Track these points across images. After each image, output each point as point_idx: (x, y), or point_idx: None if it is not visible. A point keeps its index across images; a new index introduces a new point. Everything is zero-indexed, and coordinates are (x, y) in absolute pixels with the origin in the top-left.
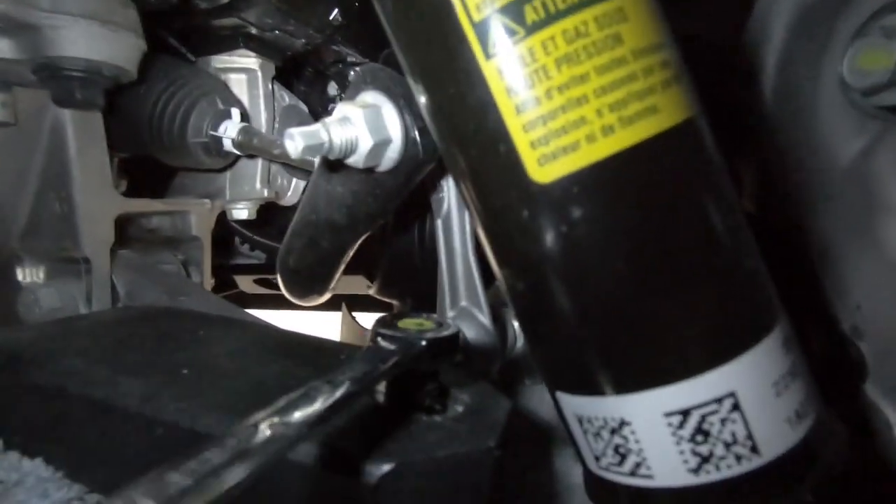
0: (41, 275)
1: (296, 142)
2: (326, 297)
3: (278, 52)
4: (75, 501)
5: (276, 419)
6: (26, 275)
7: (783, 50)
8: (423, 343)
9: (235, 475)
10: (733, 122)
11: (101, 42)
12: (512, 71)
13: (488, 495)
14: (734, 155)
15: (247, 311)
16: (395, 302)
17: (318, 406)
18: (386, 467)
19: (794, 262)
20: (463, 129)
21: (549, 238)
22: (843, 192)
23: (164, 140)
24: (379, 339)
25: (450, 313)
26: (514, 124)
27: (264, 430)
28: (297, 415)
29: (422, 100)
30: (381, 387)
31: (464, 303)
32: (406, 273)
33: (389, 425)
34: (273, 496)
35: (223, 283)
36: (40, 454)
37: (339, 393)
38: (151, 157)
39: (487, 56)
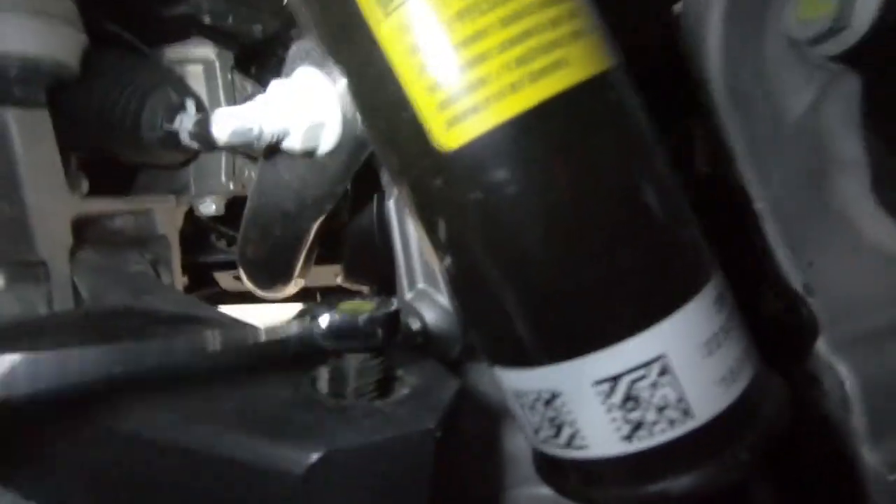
0: None
1: (221, 126)
2: (294, 288)
3: (235, 40)
4: None
5: None
6: None
7: (726, 5)
8: (343, 323)
9: None
10: (683, 83)
11: (34, 36)
12: (411, 27)
13: (432, 480)
14: (686, 116)
15: (225, 307)
16: (364, 290)
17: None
18: (314, 456)
19: (747, 221)
20: (371, 100)
21: (466, 205)
22: (792, 148)
23: (118, 136)
24: (305, 316)
25: (408, 295)
26: (417, 88)
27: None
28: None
29: (341, 77)
30: (322, 373)
31: (421, 284)
32: (367, 258)
33: (325, 413)
34: (194, 492)
35: (202, 281)
36: None
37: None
38: (110, 155)
39: (386, 14)
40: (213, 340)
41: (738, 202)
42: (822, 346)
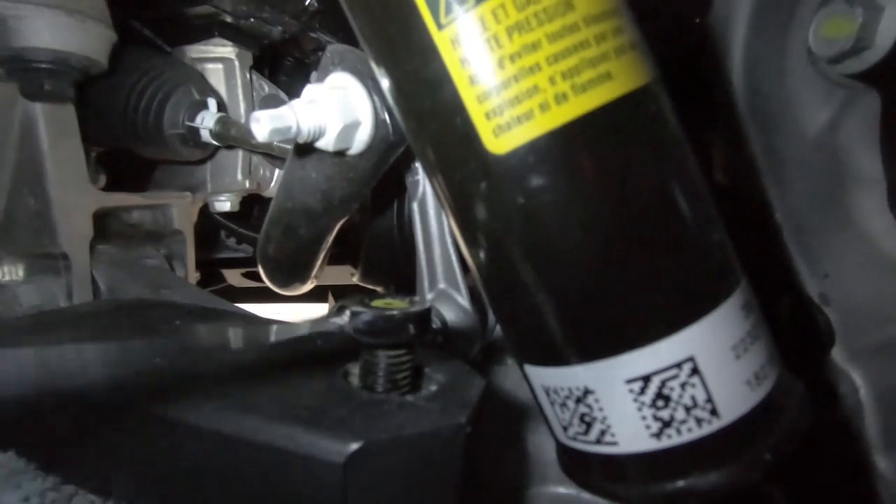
0: (20, 272)
1: (262, 124)
2: (310, 285)
3: (255, 40)
4: (50, 492)
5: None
6: (5, 273)
7: (750, 22)
8: (378, 319)
9: None
10: (703, 96)
11: (67, 32)
12: (463, 41)
13: (461, 473)
14: (705, 129)
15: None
16: (379, 289)
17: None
18: (353, 446)
19: (765, 233)
20: (420, 105)
21: (508, 209)
22: (811, 163)
23: (140, 132)
24: (343, 311)
25: (428, 296)
26: (468, 95)
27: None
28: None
29: (383, 81)
30: (355, 369)
31: (442, 285)
32: (386, 258)
33: (359, 406)
34: (234, 478)
35: (211, 277)
36: (12, 446)
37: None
38: (130, 150)
39: (439, 27)
40: (266, 335)
41: (757, 214)
42: (837, 354)
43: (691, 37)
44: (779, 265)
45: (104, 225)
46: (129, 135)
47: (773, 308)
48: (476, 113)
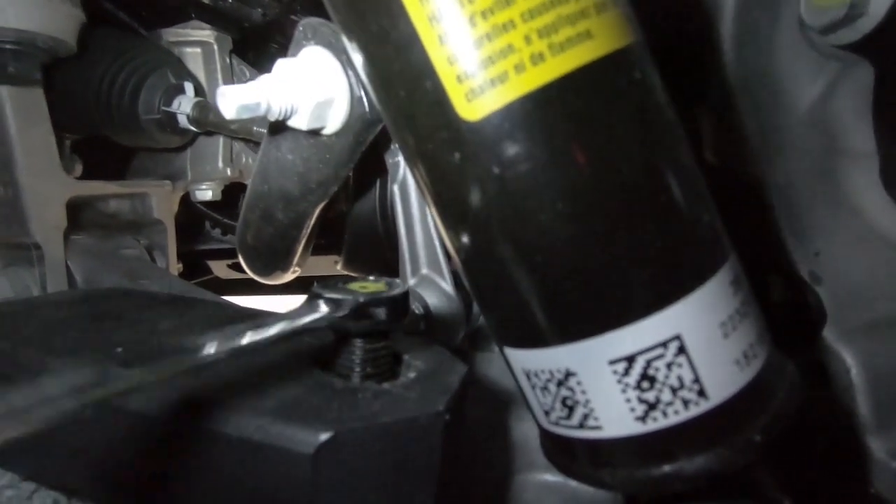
0: None
1: (228, 100)
2: (293, 275)
3: (234, 23)
4: (6, 490)
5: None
6: None
7: None
8: (358, 301)
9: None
10: (694, 71)
11: (31, 11)
12: None
13: (441, 462)
14: (695, 104)
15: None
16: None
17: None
18: (323, 436)
19: (755, 210)
20: (388, 69)
21: (483, 180)
22: (802, 138)
23: (114, 118)
24: (315, 298)
25: (411, 281)
26: (438, 57)
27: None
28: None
29: (350, 46)
30: (331, 357)
31: (425, 270)
32: (369, 244)
33: (334, 395)
34: (202, 470)
35: (196, 269)
36: None
37: (243, 340)
38: (105, 137)
39: None
40: (240, 324)
41: (747, 191)
42: (828, 333)
43: (680, 9)
44: (769, 243)
45: (80, 214)
46: (103, 121)
47: (764, 287)
48: (447, 76)
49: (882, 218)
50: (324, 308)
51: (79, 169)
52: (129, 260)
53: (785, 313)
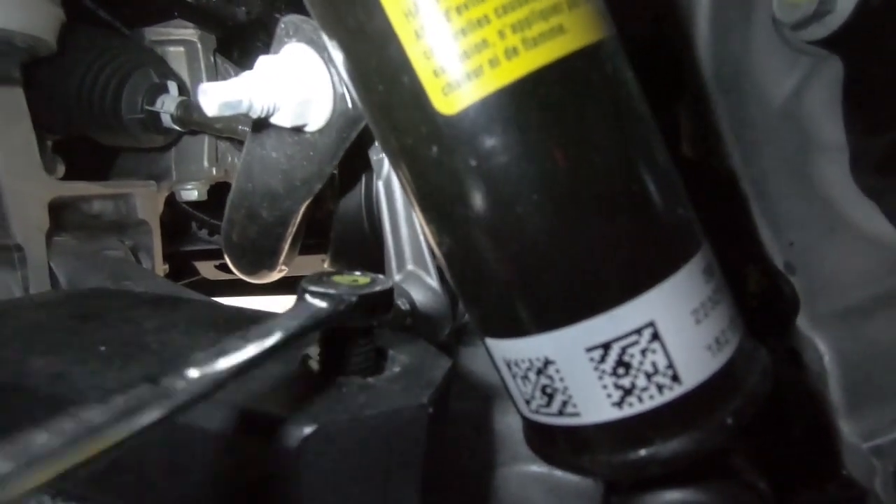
0: None
1: (210, 97)
2: (280, 274)
3: (218, 22)
4: None
5: (173, 378)
6: None
7: None
8: (354, 298)
9: (116, 435)
10: (670, 67)
11: (10, 9)
12: None
13: (425, 454)
14: (672, 100)
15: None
16: None
17: (223, 364)
18: (307, 430)
19: (731, 203)
20: (366, 65)
21: (461, 173)
22: (777, 132)
23: (96, 117)
24: (307, 295)
25: (396, 276)
26: (414, 52)
27: (157, 391)
28: (197, 373)
29: (329, 44)
30: (314, 352)
31: (410, 266)
32: (355, 241)
33: (318, 389)
34: (183, 466)
35: (184, 270)
36: None
37: (251, 351)
38: (88, 137)
39: None
40: (244, 346)
41: (723, 184)
42: (802, 321)
43: (657, 8)
44: (745, 235)
45: (62, 215)
46: (85, 120)
47: (740, 277)
48: (423, 70)
49: (852, 209)
50: (318, 308)
51: (61, 170)
52: (113, 261)
53: (760, 302)
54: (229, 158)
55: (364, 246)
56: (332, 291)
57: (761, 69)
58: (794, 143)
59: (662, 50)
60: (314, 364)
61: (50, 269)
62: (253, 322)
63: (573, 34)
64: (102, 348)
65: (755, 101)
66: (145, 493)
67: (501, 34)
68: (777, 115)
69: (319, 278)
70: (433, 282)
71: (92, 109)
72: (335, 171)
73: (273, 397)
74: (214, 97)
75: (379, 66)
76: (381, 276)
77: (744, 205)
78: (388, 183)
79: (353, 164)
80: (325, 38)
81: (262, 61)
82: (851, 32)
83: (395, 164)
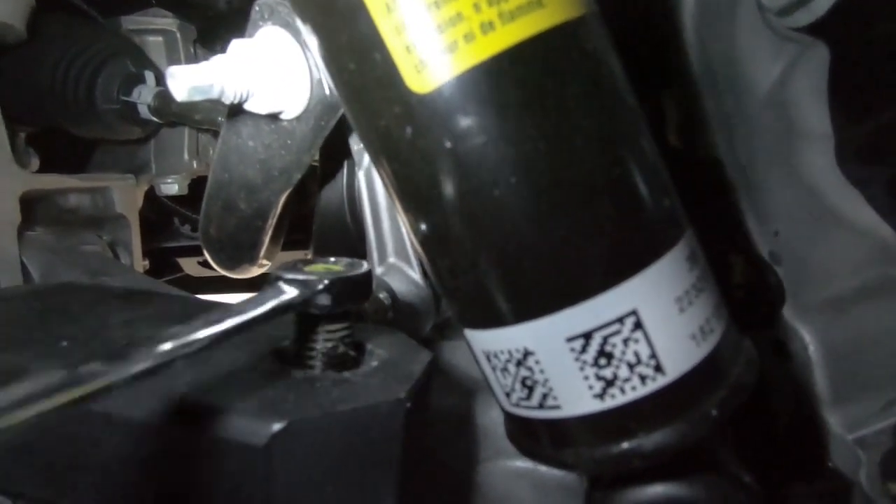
0: None
1: (179, 81)
2: (261, 269)
3: (198, 11)
4: None
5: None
6: None
7: None
8: (324, 283)
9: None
10: (656, 56)
11: None
12: None
13: (403, 450)
14: (659, 89)
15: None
16: None
17: (167, 347)
18: (276, 427)
19: (717, 192)
20: (337, 41)
21: (436, 155)
22: (763, 120)
23: (70, 108)
24: (277, 281)
25: (378, 269)
26: (385, 26)
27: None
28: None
29: (302, 27)
30: (290, 346)
31: (392, 258)
32: (337, 233)
33: (291, 385)
34: (152, 468)
35: (166, 267)
36: None
37: (211, 332)
38: (63, 130)
39: None
40: (200, 328)
41: (710, 173)
42: (787, 312)
43: None
44: (731, 224)
45: (36, 209)
46: (58, 111)
47: (726, 267)
48: (395, 46)
49: (838, 198)
50: (285, 293)
51: (35, 163)
52: (89, 256)
53: (746, 292)
54: (210, 151)
55: (346, 238)
56: (300, 277)
57: (747, 56)
58: (780, 131)
59: (649, 36)
60: (289, 359)
61: (23, 264)
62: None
63: (552, 9)
64: (64, 343)
65: (741, 88)
66: (111, 494)
67: (476, 7)
68: (763, 103)
69: (294, 265)
70: (416, 274)
71: (65, 100)
72: (317, 163)
73: (243, 393)
74: (184, 81)
75: (349, 42)
76: (358, 262)
77: (729, 194)
78: (370, 173)
79: (335, 154)
80: (296, 16)
81: (236, 45)
82: (836, 18)
83: (369, 149)
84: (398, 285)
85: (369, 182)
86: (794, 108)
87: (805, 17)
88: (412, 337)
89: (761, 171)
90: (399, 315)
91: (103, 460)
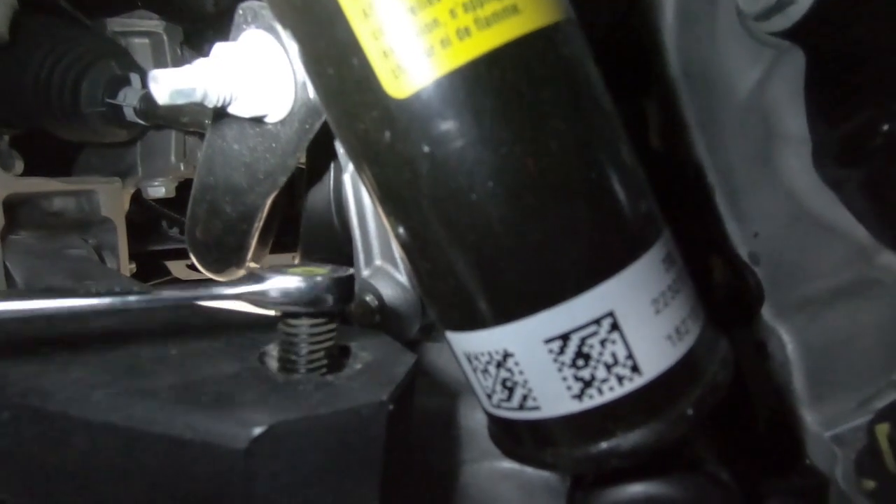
0: None
1: (161, 85)
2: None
3: (185, 13)
4: None
5: None
6: None
7: None
8: (301, 285)
9: None
10: (638, 60)
11: None
12: None
13: (386, 453)
14: (640, 93)
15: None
16: None
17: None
18: (257, 430)
19: (697, 194)
20: (316, 46)
21: (414, 160)
22: (742, 124)
23: (54, 111)
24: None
25: (365, 272)
26: (362, 31)
27: None
28: None
29: (282, 31)
30: (273, 349)
31: (378, 261)
32: (324, 236)
33: (273, 388)
34: (130, 473)
35: (154, 270)
36: None
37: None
38: (47, 132)
39: None
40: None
41: (690, 175)
42: (766, 312)
43: (624, 1)
44: (711, 226)
45: (19, 213)
46: (42, 113)
47: (706, 268)
48: (373, 51)
49: (814, 200)
50: (260, 283)
51: (19, 166)
52: (74, 260)
53: (725, 293)
54: (198, 154)
55: (333, 241)
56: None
57: (726, 60)
58: (759, 134)
59: (629, 40)
60: (272, 361)
61: (6, 268)
62: (210, 319)
63: (528, 15)
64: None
65: (720, 92)
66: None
67: (453, 13)
68: (742, 106)
69: (279, 269)
70: (402, 277)
71: (49, 102)
72: (303, 166)
73: (225, 396)
74: (166, 84)
75: (328, 47)
76: (343, 268)
77: (709, 196)
78: (356, 176)
79: (321, 157)
80: (276, 21)
81: (219, 48)
82: (812, 23)
83: (349, 153)
84: (384, 288)
85: (355, 185)
86: (772, 112)
87: (782, 21)
88: (398, 339)
89: (741, 173)
90: (385, 318)
91: (83, 465)
